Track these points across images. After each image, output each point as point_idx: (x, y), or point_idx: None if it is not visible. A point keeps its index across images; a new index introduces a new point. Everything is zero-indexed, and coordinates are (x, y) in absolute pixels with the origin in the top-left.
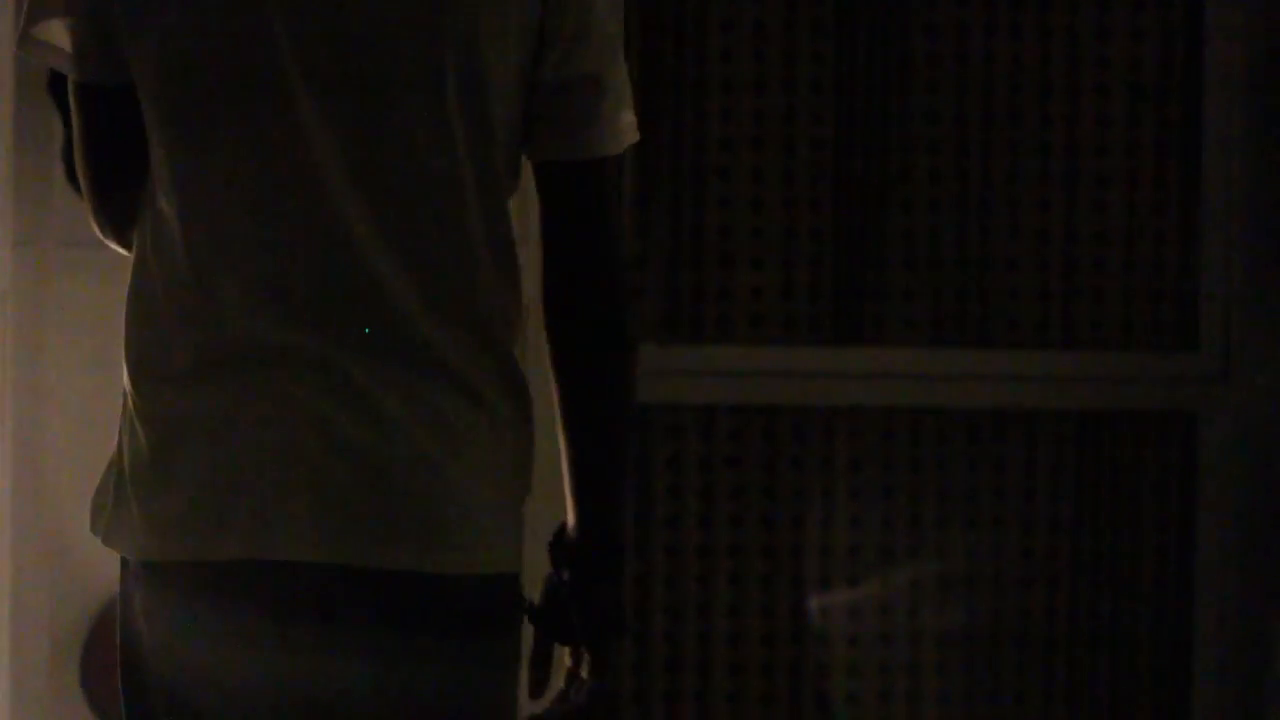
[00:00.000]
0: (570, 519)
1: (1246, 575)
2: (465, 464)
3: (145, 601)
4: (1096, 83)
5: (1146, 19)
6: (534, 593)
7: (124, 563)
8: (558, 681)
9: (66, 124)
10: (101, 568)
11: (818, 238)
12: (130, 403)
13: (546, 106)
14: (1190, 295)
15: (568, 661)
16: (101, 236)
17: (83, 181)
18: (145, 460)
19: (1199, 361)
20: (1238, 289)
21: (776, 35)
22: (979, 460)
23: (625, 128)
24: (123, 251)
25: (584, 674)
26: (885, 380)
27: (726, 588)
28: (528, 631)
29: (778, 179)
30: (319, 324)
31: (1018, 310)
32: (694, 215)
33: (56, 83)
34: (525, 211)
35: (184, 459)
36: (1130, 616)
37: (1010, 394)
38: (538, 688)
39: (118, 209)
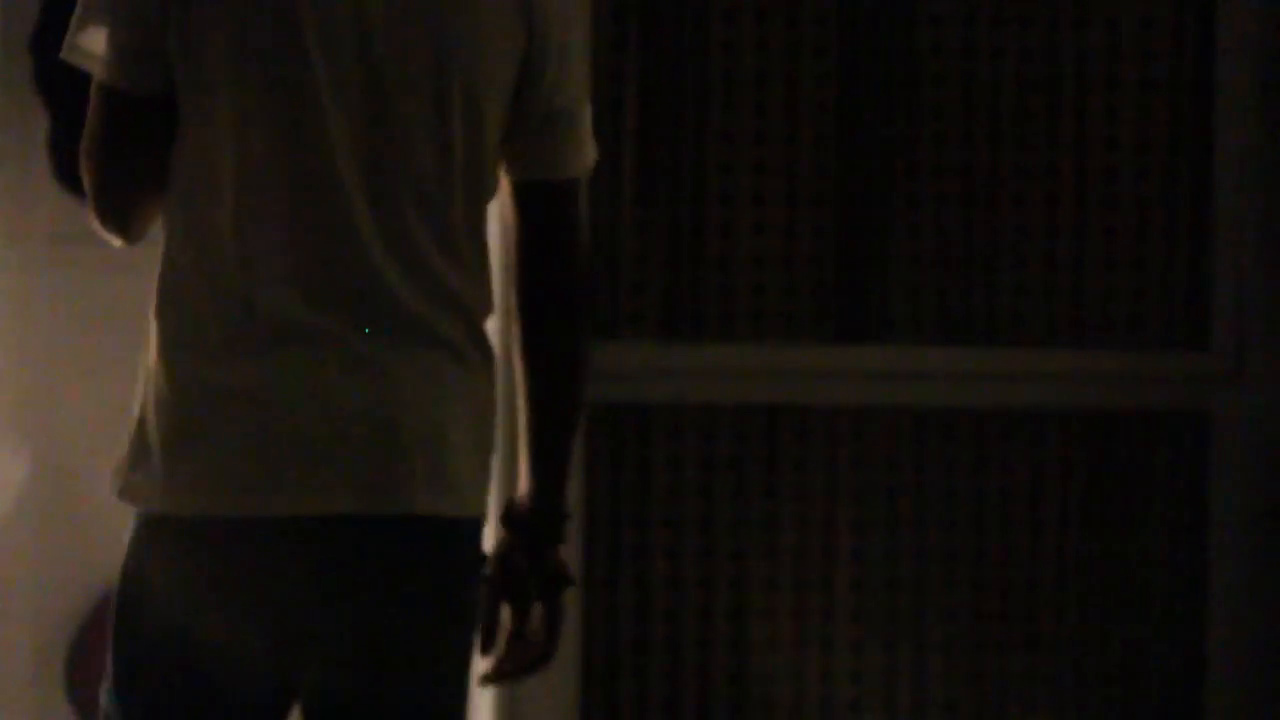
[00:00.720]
0: (524, 490)
1: (1259, 579)
2: (458, 419)
3: (169, 553)
4: (1106, 75)
5: (1157, 10)
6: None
7: (140, 522)
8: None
9: (55, 120)
10: (87, 573)
11: (821, 234)
12: (160, 376)
13: (533, 134)
14: (1201, 292)
15: (508, 624)
16: (101, 227)
17: (93, 177)
18: (182, 425)
19: (1210, 361)
20: (1250, 286)
21: (779, 27)
22: (985, 461)
23: (590, 153)
24: (116, 241)
25: (534, 627)
26: (890, 379)
27: (728, 591)
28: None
29: (780, 174)
30: (337, 308)
31: (1025, 308)
32: (695, 211)
33: (43, 79)
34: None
35: (225, 424)
36: (1141, 621)
37: (1016, 393)
38: (489, 644)
39: (125, 204)
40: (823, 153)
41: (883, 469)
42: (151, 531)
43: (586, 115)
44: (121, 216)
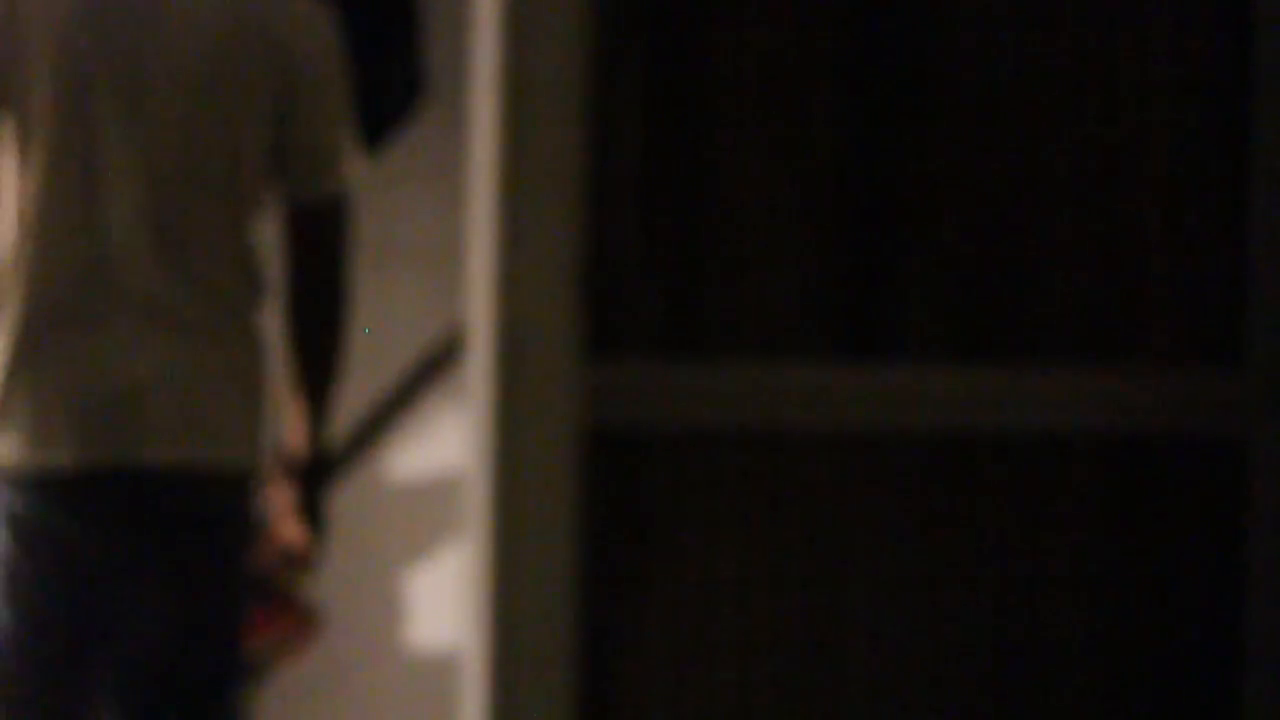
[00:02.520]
0: (292, 440)
1: None
2: (220, 396)
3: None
4: (1136, 74)
5: (1191, 6)
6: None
7: None
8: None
9: None
10: None
11: (829, 241)
12: None
13: (294, 159)
14: (1237, 306)
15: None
16: None
17: None
18: None
19: (1247, 380)
20: None
21: (788, 21)
22: (1002, 491)
23: (350, 173)
24: None
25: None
26: (903, 402)
27: (730, 634)
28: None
29: (786, 175)
30: (123, 305)
31: (1047, 323)
32: (694, 217)
33: None
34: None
35: (26, 393)
36: (1172, 665)
37: (1029, 416)
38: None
39: None
40: (833, 152)
41: (894, 498)
42: None
43: (342, 142)
44: None
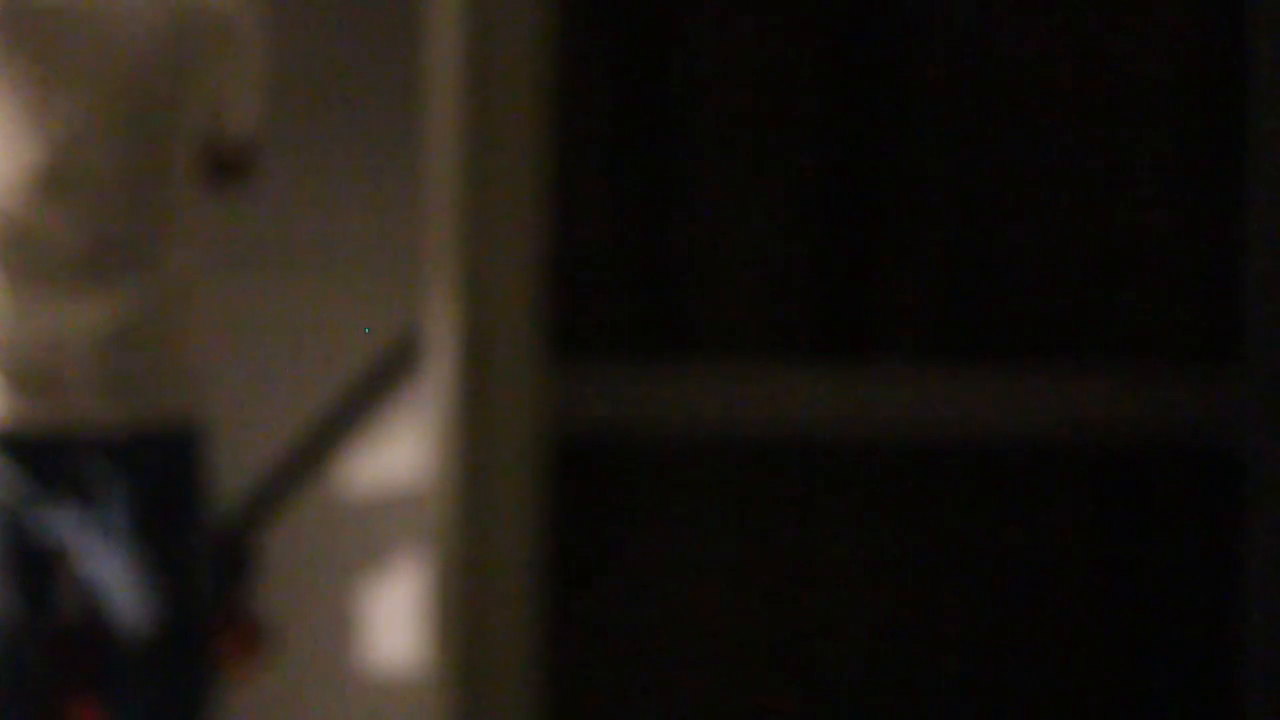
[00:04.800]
0: None
1: None
2: (139, 352)
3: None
4: (1133, 65)
5: (1184, 1)
6: None
7: None
8: None
9: None
10: None
11: (805, 240)
12: None
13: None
14: (1237, 303)
15: None
16: None
17: None
18: None
19: (1244, 384)
20: None
21: (764, 14)
22: (983, 501)
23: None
24: None
25: None
26: (881, 406)
27: (701, 647)
28: None
29: (760, 172)
30: (35, 262)
31: (1031, 324)
32: (665, 214)
33: None
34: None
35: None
36: (1167, 697)
37: (1019, 422)
38: None
39: None
40: (809, 135)
41: (874, 513)
42: None
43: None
44: None
